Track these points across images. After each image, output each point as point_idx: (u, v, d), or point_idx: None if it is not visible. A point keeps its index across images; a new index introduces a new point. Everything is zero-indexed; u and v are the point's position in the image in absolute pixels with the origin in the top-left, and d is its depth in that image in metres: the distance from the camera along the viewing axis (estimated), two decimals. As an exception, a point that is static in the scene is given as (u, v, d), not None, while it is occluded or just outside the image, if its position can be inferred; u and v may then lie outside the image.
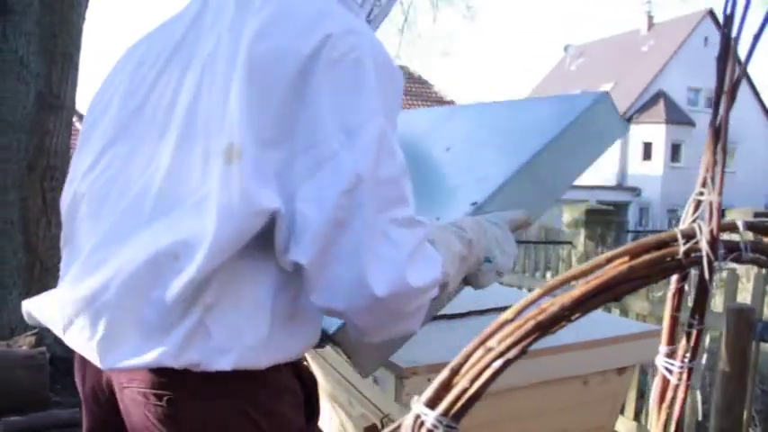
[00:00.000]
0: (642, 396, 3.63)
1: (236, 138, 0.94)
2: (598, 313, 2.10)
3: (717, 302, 4.14)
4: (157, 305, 0.96)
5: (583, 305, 0.65)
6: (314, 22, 0.97)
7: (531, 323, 0.63)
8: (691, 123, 27.46)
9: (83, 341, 1.00)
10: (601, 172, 28.41)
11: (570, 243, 9.73)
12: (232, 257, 0.96)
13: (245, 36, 0.98)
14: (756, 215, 11.09)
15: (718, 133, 0.74)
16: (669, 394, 0.74)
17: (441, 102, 26.30)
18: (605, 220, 9.78)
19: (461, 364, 0.63)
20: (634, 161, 27.93)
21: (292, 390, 1.09)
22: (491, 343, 0.63)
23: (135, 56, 1.17)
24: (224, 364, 0.97)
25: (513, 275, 5.19)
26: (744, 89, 29.56)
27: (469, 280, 1.22)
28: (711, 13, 29.11)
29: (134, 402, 1.01)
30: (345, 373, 1.78)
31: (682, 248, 0.67)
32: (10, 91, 4.45)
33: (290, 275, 1.00)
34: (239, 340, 0.98)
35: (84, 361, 1.10)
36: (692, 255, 0.67)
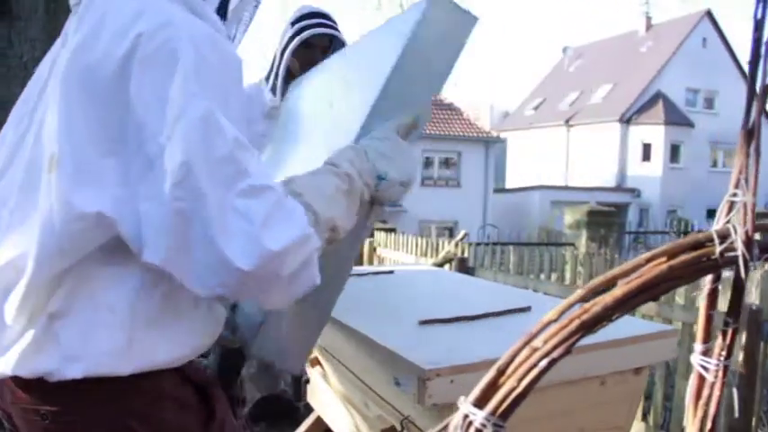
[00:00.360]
0: (649, 397, 3.63)
1: (55, 148, 0.97)
2: (627, 317, 2.11)
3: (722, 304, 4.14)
4: (1, 317, 1.01)
5: (625, 305, 0.66)
6: (127, 25, 0.99)
7: (576, 323, 0.64)
8: (689, 124, 27.48)
9: None
10: (600, 173, 28.43)
11: (572, 245, 9.76)
12: (83, 262, 0.99)
13: (70, 53, 1.01)
14: (758, 216, 11.09)
15: (751, 135, 0.75)
16: (705, 392, 0.75)
17: (440, 104, 26.33)
18: (607, 221, 9.81)
19: (507, 364, 0.64)
20: (633, 162, 27.93)
21: (176, 396, 1.09)
22: (536, 343, 0.64)
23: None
24: (75, 371, 0.98)
25: (518, 277, 5.19)
26: (742, 90, 29.47)
27: (377, 202, 1.23)
28: (709, 14, 29.15)
29: (21, 419, 1.04)
30: (362, 374, 1.79)
31: (718, 249, 0.68)
32: (15, 96, 4.44)
33: (158, 277, 1.00)
34: (93, 346, 0.99)
35: None
36: (728, 255, 0.69)
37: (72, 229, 0.96)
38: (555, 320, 0.66)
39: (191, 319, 1.08)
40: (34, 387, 1.00)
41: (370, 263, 7.87)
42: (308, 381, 2.48)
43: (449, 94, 28.03)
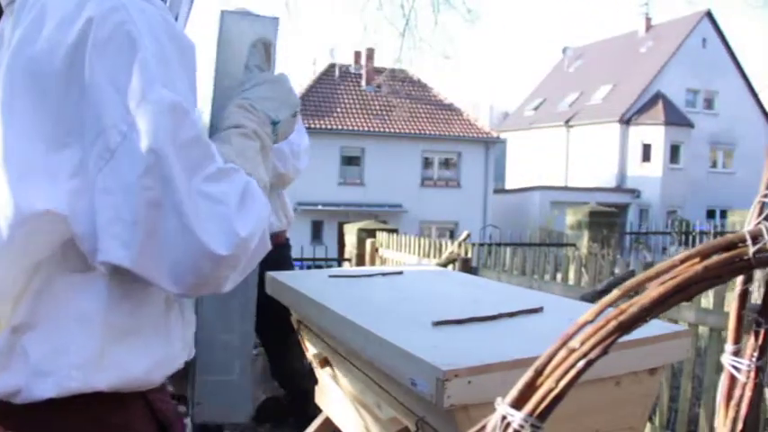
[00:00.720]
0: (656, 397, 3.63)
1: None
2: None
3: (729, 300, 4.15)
4: None
5: (660, 305, 0.66)
6: (74, 12, 0.92)
7: (613, 324, 0.63)
8: (689, 125, 27.52)
9: None
10: (600, 174, 28.45)
11: (574, 245, 9.76)
12: (44, 268, 0.93)
13: (10, 50, 0.94)
14: (759, 216, 11.09)
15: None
16: (737, 393, 0.75)
17: (440, 104, 26.34)
18: (609, 221, 9.81)
19: (545, 365, 0.64)
20: (633, 163, 27.96)
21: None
22: (573, 344, 0.64)
23: None
24: (46, 388, 0.91)
25: (522, 277, 5.19)
26: (742, 90, 29.63)
27: (278, 141, 1.22)
28: (709, 15, 29.19)
29: None
30: (375, 375, 1.78)
31: (751, 249, 0.68)
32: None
33: (127, 280, 0.94)
34: (63, 359, 0.92)
35: None
36: (760, 255, 0.69)
37: (21, 232, 0.88)
38: (591, 321, 0.66)
39: (164, 324, 1.03)
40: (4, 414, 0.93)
41: (372, 263, 7.87)
42: (316, 381, 2.48)
43: (449, 94, 28.05)
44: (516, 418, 0.62)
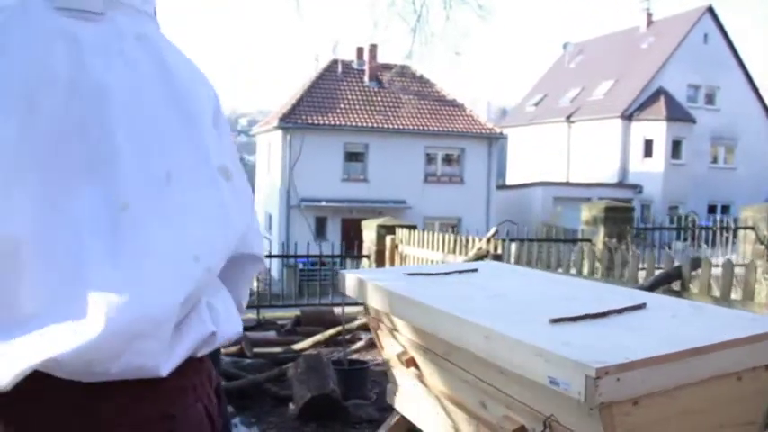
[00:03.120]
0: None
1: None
2: (737, 312, 2.10)
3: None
4: None
5: None
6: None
7: None
8: (691, 120, 27.53)
9: None
10: (602, 170, 28.46)
11: (589, 241, 9.76)
12: None
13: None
14: (773, 211, 11.10)
15: None
16: None
17: (443, 100, 26.31)
18: (624, 217, 9.81)
19: None
20: (635, 159, 27.97)
21: None
22: None
23: None
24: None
25: (547, 271, 5.23)
26: (743, 86, 29.66)
27: None
28: (711, 10, 29.20)
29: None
30: (482, 374, 1.77)
31: None
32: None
33: None
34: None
35: None
36: None
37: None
38: None
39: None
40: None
41: (392, 260, 7.85)
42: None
43: (453, 90, 27.98)
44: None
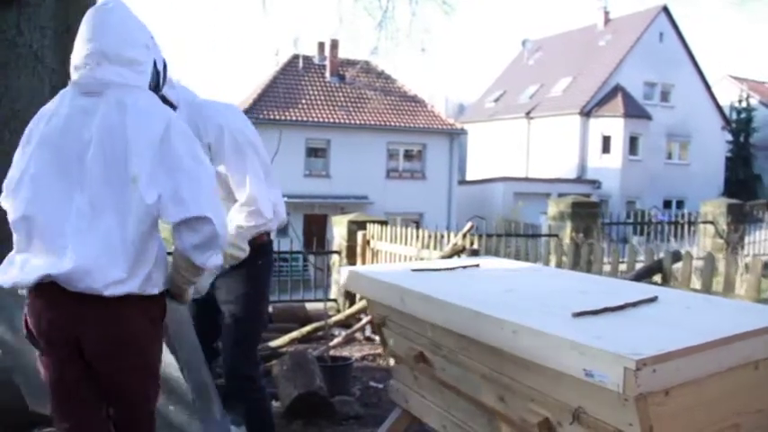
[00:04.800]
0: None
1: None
2: (744, 303, 2.14)
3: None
4: None
5: None
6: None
7: None
8: (647, 117, 28.14)
9: None
10: (561, 165, 28.90)
11: (556, 236, 9.90)
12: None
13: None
14: (730, 207, 11.44)
15: None
16: None
17: (404, 96, 26.37)
18: (590, 212, 9.98)
19: None
20: (593, 154, 28.48)
21: None
22: None
23: None
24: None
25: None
26: (697, 83, 30.42)
27: None
28: (666, 10, 29.87)
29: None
30: (500, 367, 1.78)
31: None
32: (25, 87, 4.26)
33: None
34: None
35: None
36: None
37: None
38: None
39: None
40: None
41: (364, 256, 7.84)
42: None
43: (414, 86, 28.06)
44: None
